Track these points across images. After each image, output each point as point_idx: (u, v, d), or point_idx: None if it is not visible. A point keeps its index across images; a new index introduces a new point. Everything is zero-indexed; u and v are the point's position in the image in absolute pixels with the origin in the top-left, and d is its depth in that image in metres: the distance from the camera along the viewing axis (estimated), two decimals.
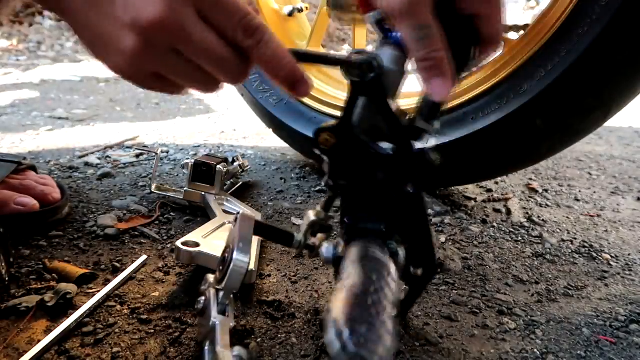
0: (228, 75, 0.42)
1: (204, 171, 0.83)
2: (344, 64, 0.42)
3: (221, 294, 0.45)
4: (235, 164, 0.91)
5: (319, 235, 0.49)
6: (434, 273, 0.50)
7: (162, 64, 0.41)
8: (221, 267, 0.47)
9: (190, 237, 0.62)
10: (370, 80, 0.42)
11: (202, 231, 0.65)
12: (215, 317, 0.43)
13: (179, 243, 0.59)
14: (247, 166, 0.96)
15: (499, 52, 0.61)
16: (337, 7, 0.83)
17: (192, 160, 0.84)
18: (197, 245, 0.60)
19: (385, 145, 0.45)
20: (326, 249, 0.47)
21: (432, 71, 0.43)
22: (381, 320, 0.29)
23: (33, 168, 0.79)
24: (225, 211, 0.77)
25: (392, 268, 0.39)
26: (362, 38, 0.95)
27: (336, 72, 1.00)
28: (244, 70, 0.42)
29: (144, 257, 0.66)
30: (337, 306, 0.30)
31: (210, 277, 0.49)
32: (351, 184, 0.47)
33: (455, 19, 0.45)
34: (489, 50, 0.48)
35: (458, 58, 0.45)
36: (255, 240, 0.66)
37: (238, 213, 0.49)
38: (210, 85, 0.43)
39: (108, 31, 0.39)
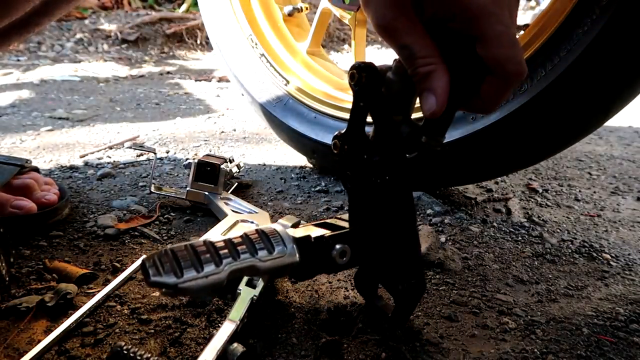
0: None
1: (207, 171, 0.83)
2: (350, 71, 0.45)
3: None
4: (234, 163, 0.91)
5: None
6: (421, 290, 0.50)
7: None
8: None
9: (209, 235, 0.62)
10: (366, 88, 0.45)
11: (218, 229, 0.65)
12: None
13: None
14: (242, 167, 0.96)
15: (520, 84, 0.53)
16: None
17: (196, 160, 0.84)
18: None
19: (380, 153, 0.47)
20: None
21: (419, 85, 0.43)
22: (185, 265, 0.36)
23: (36, 170, 0.80)
24: (233, 211, 0.77)
25: (278, 247, 0.41)
26: (362, 38, 0.95)
27: (336, 72, 1.00)
28: None
29: (144, 257, 0.66)
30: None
31: None
32: (354, 187, 0.49)
33: (453, 40, 0.43)
34: (501, 81, 0.43)
35: (462, 82, 0.44)
36: (268, 220, 0.69)
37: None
38: None
39: None
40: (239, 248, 0.39)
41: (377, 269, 0.50)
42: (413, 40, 0.42)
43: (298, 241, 0.42)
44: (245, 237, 0.40)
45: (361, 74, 0.45)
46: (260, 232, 0.41)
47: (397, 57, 0.45)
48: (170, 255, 0.37)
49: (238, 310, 0.49)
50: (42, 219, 0.72)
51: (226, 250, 0.38)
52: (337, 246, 0.44)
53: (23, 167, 0.76)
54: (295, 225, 0.56)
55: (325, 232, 0.45)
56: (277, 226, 0.43)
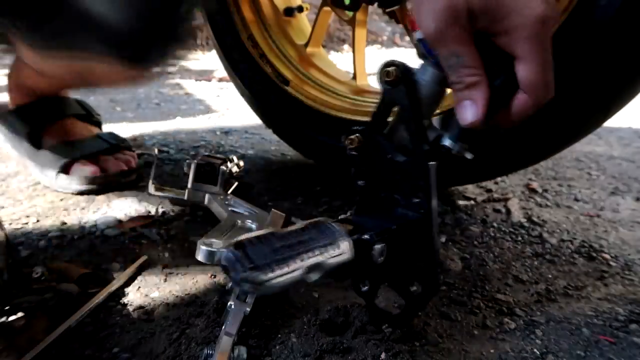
0: None
1: (207, 171, 0.83)
2: (381, 69, 0.46)
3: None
4: (233, 162, 0.91)
5: None
6: (435, 292, 0.49)
7: None
8: None
9: (210, 236, 0.62)
10: (397, 87, 0.45)
11: (219, 231, 0.65)
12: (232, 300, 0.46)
13: (200, 243, 0.60)
14: (242, 166, 0.96)
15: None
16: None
17: (195, 161, 0.84)
18: (219, 244, 0.60)
19: (405, 154, 0.47)
20: None
21: (461, 94, 0.44)
22: (274, 259, 0.35)
23: (128, 147, 0.97)
24: (233, 211, 0.77)
25: (341, 243, 0.39)
26: (362, 39, 0.95)
27: (336, 72, 1.00)
28: None
29: (144, 257, 0.66)
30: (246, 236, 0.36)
31: None
32: (367, 185, 0.49)
33: (495, 55, 0.44)
34: (530, 101, 0.44)
35: (496, 95, 0.45)
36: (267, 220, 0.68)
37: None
38: None
39: None
40: (314, 244, 0.37)
41: (388, 271, 0.49)
42: (463, 50, 0.43)
43: (353, 240, 0.41)
44: (317, 231, 0.39)
45: (396, 72, 0.45)
46: (325, 227, 0.40)
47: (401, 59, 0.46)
48: (252, 247, 0.35)
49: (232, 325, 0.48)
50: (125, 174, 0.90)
51: (305, 245, 0.37)
52: (378, 245, 0.43)
53: (118, 146, 0.94)
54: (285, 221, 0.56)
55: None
56: (325, 219, 0.42)
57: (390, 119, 0.49)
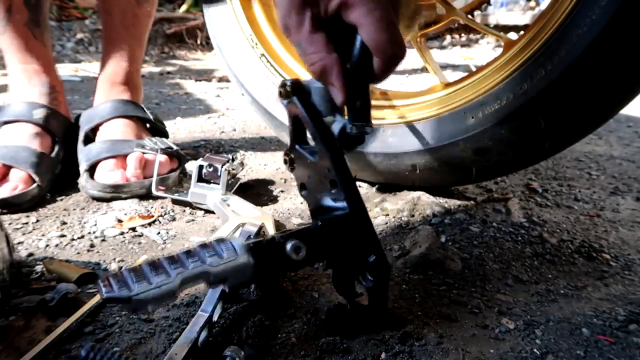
0: None
1: (209, 172, 0.83)
2: (278, 90, 0.51)
3: None
4: (236, 162, 0.91)
5: None
6: (388, 269, 0.51)
7: None
8: None
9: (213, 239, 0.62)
10: (291, 100, 0.50)
11: (221, 234, 0.65)
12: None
13: None
14: (246, 164, 0.96)
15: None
16: None
17: (197, 162, 0.84)
18: None
19: (312, 152, 0.52)
20: None
21: (323, 82, 0.49)
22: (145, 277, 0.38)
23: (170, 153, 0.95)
24: (235, 212, 0.76)
25: (227, 251, 0.42)
26: None
27: None
28: None
29: (144, 257, 0.66)
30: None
31: None
32: (308, 194, 0.54)
33: (345, 31, 0.48)
34: (382, 63, 0.48)
35: (357, 67, 0.49)
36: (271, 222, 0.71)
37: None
38: None
39: None
40: (189, 259, 0.41)
41: (339, 262, 0.51)
42: (301, 37, 0.46)
43: (249, 245, 0.43)
44: (198, 248, 0.42)
45: (287, 88, 0.50)
46: (212, 243, 0.43)
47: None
48: (122, 274, 0.38)
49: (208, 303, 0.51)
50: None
51: (176, 262, 0.40)
52: (290, 244, 0.45)
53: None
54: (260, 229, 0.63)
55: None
56: (231, 237, 0.46)
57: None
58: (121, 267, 0.43)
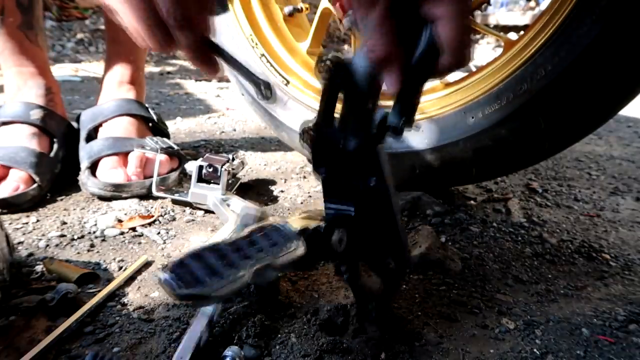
0: None
1: (209, 172, 0.83)
2: (316, 65, 0.46)
3: None
4: (236, 162, 0.91)
5: None
6: (406, 267, 0.51)
7: None
8: None
9: (215, 239, 0.62)
10: (334, 78, 0.46)
11: (221, 235, 0.65)
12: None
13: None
14: (247, 163, 0.96)
15: (466, 68, 0.54)
16: None
17: (197, 162, 0.84)
18: None
19: (354, 141, 0.48)
20: None
21: (379, 65, 0.45)
22: (209, 270, 0.36)
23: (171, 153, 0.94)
24: (235, 212, 0.76)
25: (288, 241, 0.41)
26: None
27: None
28: None
29: (144, 257, 0.66)
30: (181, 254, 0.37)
31: None
32: (328, 174, 0.51)
33: (416, 21, 0.45)
34: (451, 61, 0.46)
35: (422, 62, 0.46)
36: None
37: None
38: None
39: None
40: (252, 247, 0.39)
41: (363, 252, 0.51)
42: (369, 20, 0.44)
43: (302, 233, 0.43)
44: (255, 235, 0.41)
45: (332, 63, 0.46)
46: (265, 229, 0.41)
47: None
48: (188, 264, 0.36)
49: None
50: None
51: (240, 251, 0.38)
52: (336, 234, 0.45)
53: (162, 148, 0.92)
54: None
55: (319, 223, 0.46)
56: (277, 221, 0.44)
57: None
58: (173, 256, 0.39)
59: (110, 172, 0.87)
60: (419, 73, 0.47)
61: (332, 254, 0.46)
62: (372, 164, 0.48)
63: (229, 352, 0.46)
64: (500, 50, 0.73)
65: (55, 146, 0.91)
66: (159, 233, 0.74)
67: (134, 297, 0.58)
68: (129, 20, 0.46)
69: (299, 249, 0.41)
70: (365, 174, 0.48)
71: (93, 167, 0.88)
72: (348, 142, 0.48)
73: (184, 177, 0.93)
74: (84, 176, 0.86)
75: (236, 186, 0.90)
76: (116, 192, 0.84)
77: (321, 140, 0.50)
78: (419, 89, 0.47)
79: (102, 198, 0.85)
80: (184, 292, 0.34)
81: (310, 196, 0.91)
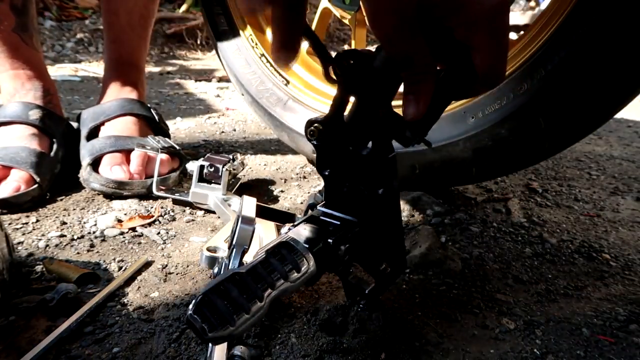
0: None
1: (210, 172, 0.83)
2: (335, 62, 0.44)
3: (233, 252, 0.51)
4: (236, 162, 0.91)
5: None
6: (402, 270, 0.51)
7: None
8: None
9: (213, 242, 0.62)
10: (352, 77, 0.44)
11: (222, 235, 0.65)
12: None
13: (204, 249, 0.60)
14: (246, 164, 0.96)
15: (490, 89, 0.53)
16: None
17: (198, 162, 0.84)
18: (223, 251, 0.61)
19: (367, 146, 0.47)
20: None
21: (408, 88, 0.44)
22: (239, 305, 0.36)
23: (173, 153, 0.94)
24: (235, 212, 0.77)
25: (303, 264, 0.41)
26: (362, 38, 0.95)
27: None
28: None
29: (144, 257, 0.66)
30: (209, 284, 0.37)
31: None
32: (332, 175, 0.49)
33: (450, 44, 0.43)
34: (481, 88, 0.46)
35: (449, 85, 0.45)
36: (273, 228, 0.70)
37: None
38: None
39: None
40: (272, 275, 0.39)
41: (360, 251, 0.50)
42: (414, 51, 0.42)
43: (314, 253, 0.42)
44: (272, 259, 0.40)
45: (349, 63, 0.44)
46: (280, 250, 0.41)
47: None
48: (214, 302, 0.35)
49: None
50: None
51: (261, 281, 0.38)
52: (343, 246, 0.45)
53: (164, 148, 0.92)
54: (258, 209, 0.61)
55: (315, 230, 0.45)
56: (290, 237, 0.43)
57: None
58: (192, 293, 0.39)
59: (113, 168, 0.87)
60: (447, 94, 0.45)
61: (336, 265, 0.46)
62: (384, 172, 0.46)
63: (238, 351, 0.46)
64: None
65: (55, 146, 0.91)
66: (159, 233, 0.74)
67: (134, 297, 0.58)
68: None
69: (310, 268, 0.41)
70: (375, 182, 0.47)
71: (95, 164, 0.88)
72: (359, 145, 0.47)
73: (184, 177, 0.93)
74: (85, 172, 0.86)
75: (236, 186, 0.90)
76: (118, 189, 0.84)
77: (329, 139, 0.48)
78: (441, 111, 0.46)
79: (104, 195, 0.85)
80: (214, 336, 0.34)
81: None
